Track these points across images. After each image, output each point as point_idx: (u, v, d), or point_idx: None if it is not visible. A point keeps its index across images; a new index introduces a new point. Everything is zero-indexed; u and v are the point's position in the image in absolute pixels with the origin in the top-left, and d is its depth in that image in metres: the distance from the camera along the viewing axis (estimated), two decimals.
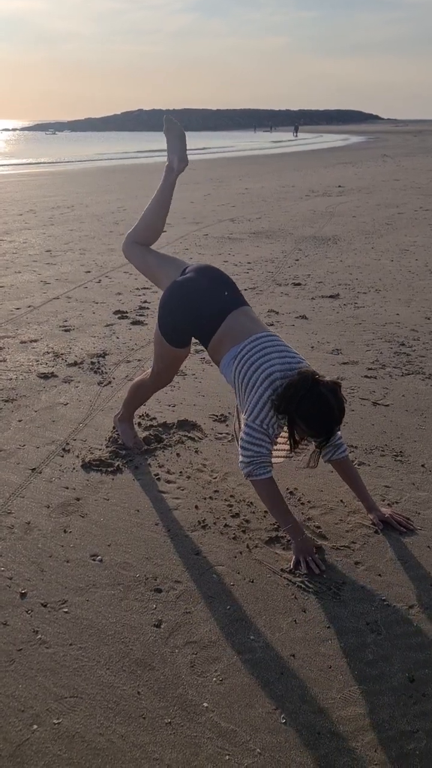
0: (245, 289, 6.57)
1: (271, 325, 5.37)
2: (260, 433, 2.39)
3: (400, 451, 3.24)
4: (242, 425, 2.48)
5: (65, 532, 2.60)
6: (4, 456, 3.19)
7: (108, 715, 1.79)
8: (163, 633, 2.08)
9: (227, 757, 1.68)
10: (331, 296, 6.34)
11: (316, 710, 1.81)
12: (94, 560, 2.43)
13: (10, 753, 1.68)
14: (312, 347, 4.82)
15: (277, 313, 5.75)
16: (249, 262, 8.02)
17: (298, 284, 6.84)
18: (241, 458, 2.44)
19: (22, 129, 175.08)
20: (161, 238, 9.81)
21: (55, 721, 1.77)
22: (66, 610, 2.18)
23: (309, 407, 2.26)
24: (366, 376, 4.24)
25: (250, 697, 1.85)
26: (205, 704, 1.83)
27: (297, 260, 8.09)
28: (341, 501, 2.80)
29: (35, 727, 1.75)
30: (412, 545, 2.53)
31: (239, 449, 2.46)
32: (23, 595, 2.24)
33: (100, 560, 2.43)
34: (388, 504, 2.80)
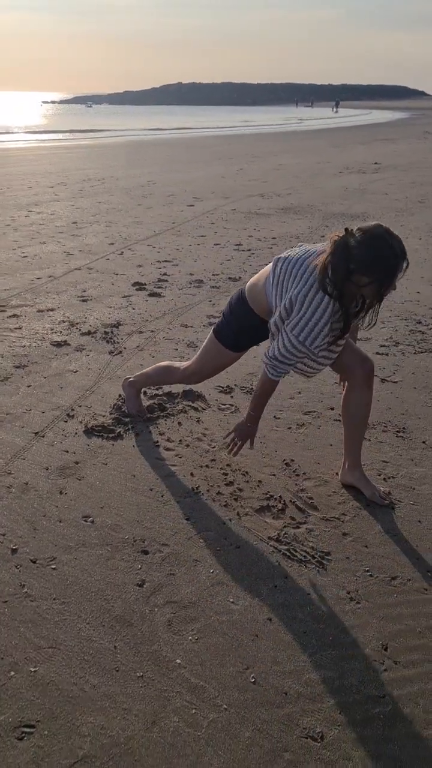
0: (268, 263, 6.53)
1: None
2: (300, 351, 2.34)
3: (403, 428, 3.22)
4: (287, 333, 2.35)
5: (61, 493, 2.66)
6: (10, 419, 3.26)
7: (83, 666, 1.85)
8: (144, 592, 2.13)
9: (194, 711, 1.72)
10: None
11: (285, 672, 1.84)
12: (85, 521, 2.49)
13: None
14: None
15: None
16: (273, 237, 7.97)
17: None
18: (270, 356, 2.41)
19: (61, 101, 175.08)
20: (187, 211, 9.80)
21: (32, 669, 1.83)
22: (54, 566, 2.24)
23: (365, 251, 2.17)
24: (378, 353, 4.21)
25: (223, 657, 1.89)
26: (178, 660, 1.87)
27: (322, 236, 7.98)
28: (336, 474, 2.81)
29: (12, 673, 1.82)
30: (402, 519, 2.53)
31: (274, 347, 2.40)
32: (14, 551, 2.31)
33: (92, 521, 2.48)
34: (384, 479, 2.79)
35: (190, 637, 1.96)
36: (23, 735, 1.64)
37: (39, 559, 2.27)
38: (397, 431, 3.19)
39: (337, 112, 70.35)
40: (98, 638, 1.95)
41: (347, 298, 2.27)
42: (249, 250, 7.29)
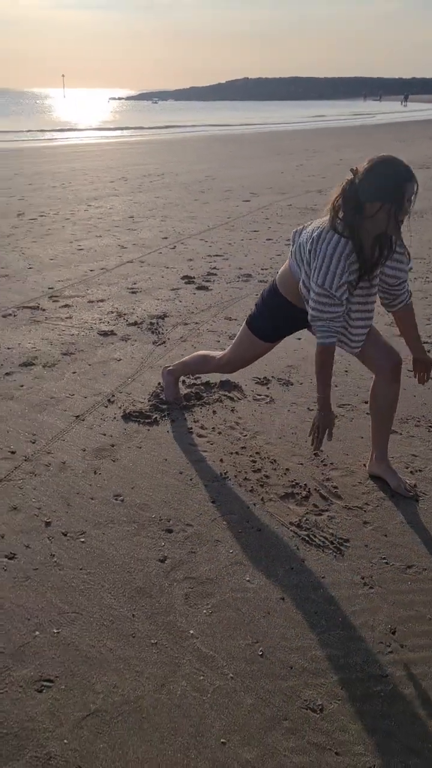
0: None
1: None
2: (324, 297, 2.35)
3: None
4: (311, 285, 2.41)
5: (95, 473, 2.80)
6: (54, 403, 3.43)
7: (102, 631, 1.97)
8: (166, 567, 2.24)
9: (201, 677, 1.82)
10: None
11: (293, 648, 1.92)
12: (116, 500, 2.61)
13: (11, 652, 1.89)
14: None
15: None
16: None
17: None
18: (309, 319, 2.46)
19: (128, 98, 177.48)
20: (243, 206, 9.87)
21: (55, 631, 1.97)
22: (83, 540, 2.38)
23: (371, 178, 2.22)
24: None
25: (234, 630, 1.98)
26: (192, 631, 1.97)
27: None
28: (364, 465, 2.85)
29: (37, 633, 1.96)
30: (424, 511, 2.56)
31: (308, 307, 2.44)
32: (48, 524, 2.46)
33: (122, 500, 2.61)
34: (411, 471, 2.82)
35: (204, 611, 2.05)
36: (42, 688, 1.77)
37: (70, 533, 2.41)
38: (430, 426, 3.20)
39: (406, 105, 68.89)
40: (118, 606, 2.07)
41: (361, 235, 2.28)
42: None
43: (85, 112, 67.25)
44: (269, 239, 7.64)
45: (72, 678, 1.81)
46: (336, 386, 3.63)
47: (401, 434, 3.12)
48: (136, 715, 1.70)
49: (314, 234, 2.37)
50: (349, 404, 3.42)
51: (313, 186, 12.27)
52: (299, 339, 4.13)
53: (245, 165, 16.15)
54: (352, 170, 2.29)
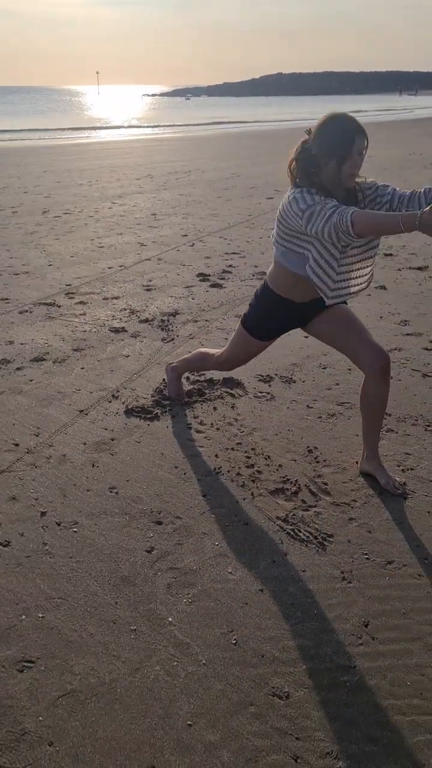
0: None
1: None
2: (309, 210, 2.26)
3: None
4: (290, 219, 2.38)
5: (93, 466, 2.89)
6: (60, 397, 3.54)
7: (85, 617, 2.06)
8: (152, 558, 2.32)
9: (175, 663, 1.89)
10: (419, 268, 6.21)
11: (266, 637, 1.98)
12: (111, 492, 2.70)
13: None
14: (380, 317, 4.80)
15: None
16: None
17: (390, 254, 6.73)
18: (323, 228, 2.25)
19: (162, 94, 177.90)
20: (265, 204, 9.89)
21: (41, 615, 2.06)
22: (75, 530, 2.47)
23: (322, 136, 2.32)
24: (426, 348, 4.20)
25: (211, 619, 2.05)
26: (170, 619, 2.05)
27: None
28: (357, 462, 2.89)
29: (23, 617, 2.05)
30: (411, 509, 2.59)
31: (318, 229, 2.26)
32: (43, 514, 2.56)
33: (116, 492, 2.70)
34: (402, 470, 2.85)
35: (185, 600, 2.13)
36: (23, 668, 1.87)
37: (63, 522, 2.51)
38: (427, 425, 3.22)
39: None
40: (102, 594, 2.15)
41: (319, 188, 2.34)
42: None
43: (118, 109, 67.67)
44: None
45: (52, 660, 1.90)
46: (337, 384, 3.67)
47: (397, 432, 3.15)
48: (109, 696, 1.79)
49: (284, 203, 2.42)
50: (348, 402, 3.45)
51: None
52: (306, 337, 4.17)
53: (273, 161, 16.14)
54: (306, 131, 2.40)
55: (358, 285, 2.54)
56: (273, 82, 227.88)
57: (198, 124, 35.86)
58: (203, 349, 3.35)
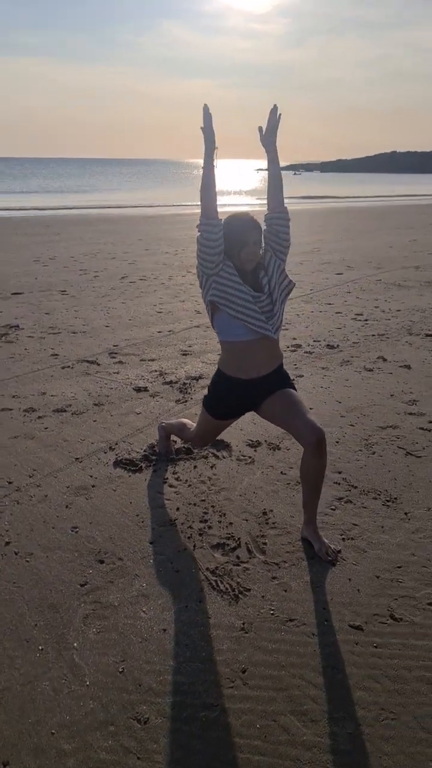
0: (372, 335, 6.76)
1: (370, 371, 5.55)
2: (201, 237, 2.76)
3: (395, 498, 3.37)
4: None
5: (66, 507, 3.24)
6: (64, 445, 3.94)
7: (5, 634, 2.37)
8: (82, 591, 2.61)
9: (63, 681, 2.16)
10: None
11: (150, 670, 2.21)
12: (72, 531, 3.03)
13: None
14: (391, 395, 4.94)
15: (385, 360, 5.88)
16: (398, 310, 8.09)
17: (430, 335, 6.83)
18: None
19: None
20: (333, 279, 10.19)
21: None
22: (28, 560, 2.81)
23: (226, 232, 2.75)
24: (422, 428, 4.30)
25: (110, 648, 2.30)
26: (75, 644, 2.32)
27: None
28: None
29: None
30: (334, 574, 2.74)
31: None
32: (7, 544, 2.92)
33: (77, 531, 3.02)
34: (344, 539, 3.00)
35: (94, 629, 2.40)
36: None
37: (20, 552, 2.86)
38: (387, 500, 3.35)
39: None
40: (28, 616, 2.46)
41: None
42: (366, 320, 7.52)
43: (231, 182, 70.97)
44: (338, 312, 7.92)
45: None
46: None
47: (354, 504, 3.30)
48: None
49: None
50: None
51: (414, 262, 12.38)
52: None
53: (356, 238, 16.53)
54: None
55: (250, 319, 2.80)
56: (386, 160, 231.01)
57: (296, 197, 37.07)
58: (186, 420, 3.65)
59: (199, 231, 2.77)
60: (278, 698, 2.10)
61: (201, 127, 2.78)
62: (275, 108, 2.86)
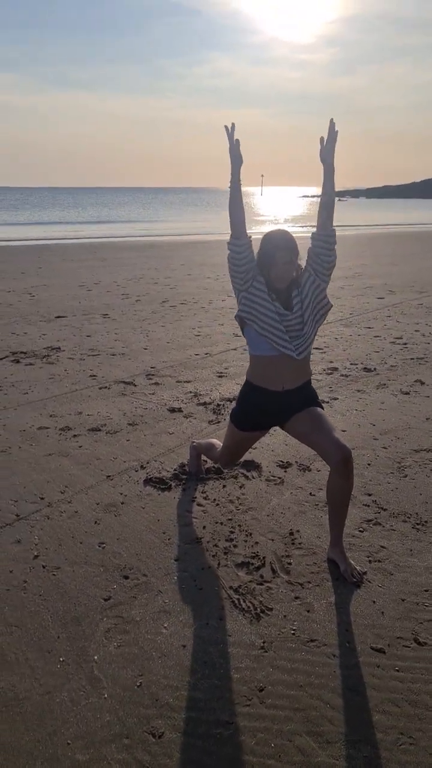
0: (411, 359, 6.68)
1: (407, 394, 5.48)
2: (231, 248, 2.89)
3: (425, 522, 3.31)
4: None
5: (95, 523, 3.29)
6: (96, 463, 4.01)
7: (29, 644, 2.41)
8: (105, 605, 2.64)
9: (82, 693, 2.18)
10: None
11: (168, 685, 2.21)
12: (99, 546, 3.07)
13: None
14: (427, 418, 4.87)
15: (423, 383, 5.81)
16: None
17: None
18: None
19: (314, 196, 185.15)
20: (374, 303, 10.14)
21: None
22: (55, 573, 2.86)
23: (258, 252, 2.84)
24: None
25: (129, 663, 2.32)
26: (95, 657, 2.35)
27: None
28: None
29: None
30: (359, 596, 2.71)
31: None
32: (35, 557, 2.98)
33: (103, 547, 3.06)
34: (370, 561, 2.96)
35: (115, 643, 2.42)
36: None
37: (48, 566, 2.91)
38: (417, 523, 3.29)
39: None
40: (51, 628, 2.50)
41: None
42: (405, 343, 7.45)
43: (276, 208, 71.54)
44: (377, 336, 7.86)
45: None
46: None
47: (383, 526, 3.26)
48: (16, 709, 2.11)
49: None
50: (352, 495, 3.60)
51: None
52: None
53: (399, 262, 16.42)
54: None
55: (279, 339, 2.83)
56: (430, 185, 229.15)
57: (341, 225, 37.06)
58: (215, 441, 3.67)
59: (228, 249, 2.84)
60: (295, 718, 2.08)
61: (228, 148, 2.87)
62: (332, 122, 2.87)
